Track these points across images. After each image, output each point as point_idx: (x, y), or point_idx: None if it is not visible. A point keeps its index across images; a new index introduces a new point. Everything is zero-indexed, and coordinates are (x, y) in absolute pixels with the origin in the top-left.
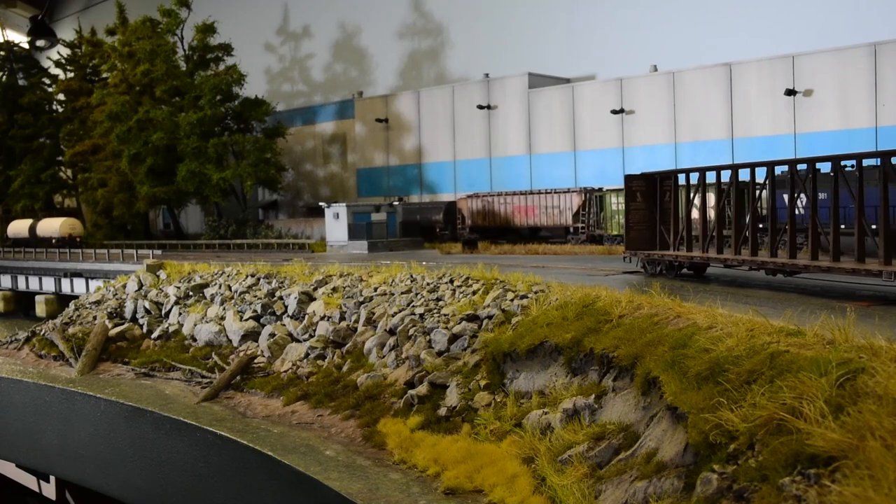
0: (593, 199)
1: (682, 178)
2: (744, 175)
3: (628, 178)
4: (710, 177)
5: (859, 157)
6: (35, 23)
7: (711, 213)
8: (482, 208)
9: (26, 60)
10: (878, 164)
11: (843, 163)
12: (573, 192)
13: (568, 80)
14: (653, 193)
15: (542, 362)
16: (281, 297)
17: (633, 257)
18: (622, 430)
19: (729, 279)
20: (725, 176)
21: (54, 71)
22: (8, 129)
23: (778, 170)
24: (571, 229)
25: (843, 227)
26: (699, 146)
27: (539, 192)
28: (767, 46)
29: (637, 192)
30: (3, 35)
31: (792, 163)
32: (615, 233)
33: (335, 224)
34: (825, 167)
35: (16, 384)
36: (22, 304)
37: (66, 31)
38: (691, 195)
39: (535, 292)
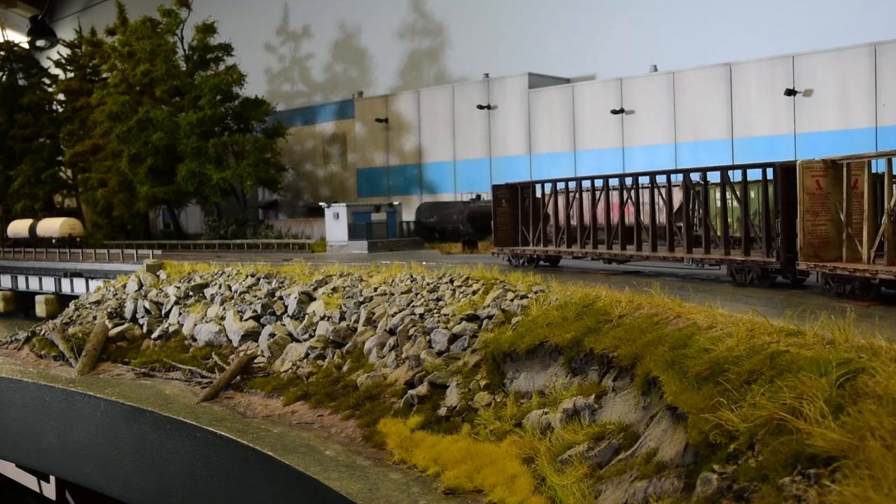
0: (695, 193)
1: (538, 188)
2: (586, 184)
3: (496, 188)
4: (560, 186)
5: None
6: (35, 23)
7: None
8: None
9: (26, 60)
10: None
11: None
12: (673, 185)
13: (568, 80)
14: (516, 200)
15: (542, 362)
16: (281, 297)
17: (501, 253)
18: (622, 430)
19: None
20: (574, 185)
21: (54, 71)
22: (8, 129)
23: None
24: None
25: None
26: (699, 146)
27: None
28: (767, 46)
29: (503, 199)
30: (3, 35)
31: (621, 176)
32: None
33: (335, 224)
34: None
35: (16, 384)
36: (22, 304)
37: (66, 31)
38: (546, 201)
39: (535, 292)
